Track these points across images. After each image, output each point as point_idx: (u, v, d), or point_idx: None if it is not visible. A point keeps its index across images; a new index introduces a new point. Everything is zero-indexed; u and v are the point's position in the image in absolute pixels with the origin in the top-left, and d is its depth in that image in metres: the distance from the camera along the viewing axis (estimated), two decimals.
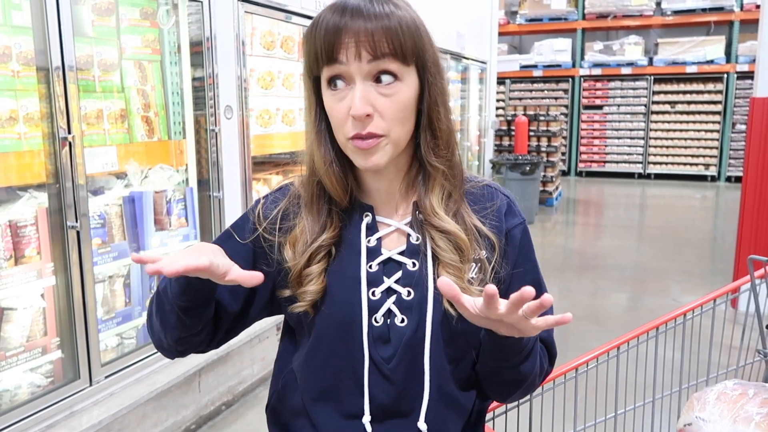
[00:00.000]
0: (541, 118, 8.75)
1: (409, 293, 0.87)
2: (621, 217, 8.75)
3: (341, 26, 0.78)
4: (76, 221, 2.31)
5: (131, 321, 2.72)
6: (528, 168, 7.48)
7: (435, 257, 0.87)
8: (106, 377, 2.45)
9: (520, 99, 12.72)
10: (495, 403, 1.18)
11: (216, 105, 3.03)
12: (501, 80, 11.43)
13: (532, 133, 8.70)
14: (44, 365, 2.35)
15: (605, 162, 12.45)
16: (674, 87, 11.79)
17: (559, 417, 1.43)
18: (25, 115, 2.27)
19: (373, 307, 0.87)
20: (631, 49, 11.90)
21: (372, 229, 0.90)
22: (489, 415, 1.20)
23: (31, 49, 2.27)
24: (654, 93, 11.91)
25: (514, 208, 0.95)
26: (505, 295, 0.86)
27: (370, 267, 0.88)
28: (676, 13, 11.53)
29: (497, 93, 9.49)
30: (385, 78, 0.80)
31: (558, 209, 8.89)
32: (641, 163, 12.15)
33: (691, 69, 11.47)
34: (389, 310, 0.87)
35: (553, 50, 12.29)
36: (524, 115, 8.76)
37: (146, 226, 2.81)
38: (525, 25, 12.43)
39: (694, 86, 11.64)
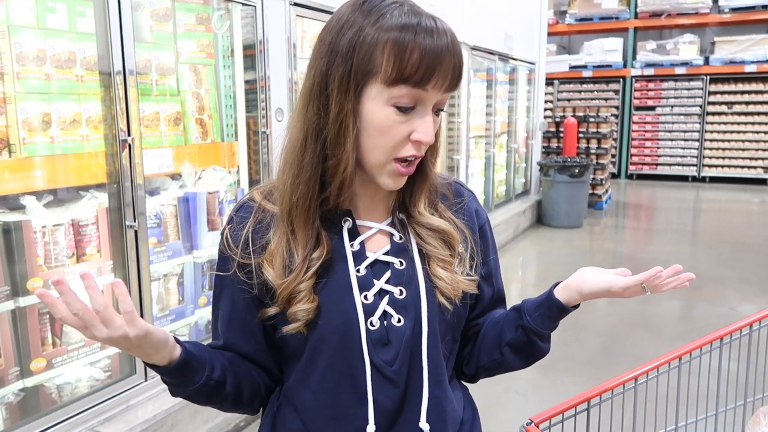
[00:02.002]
0: (591, 119, 8.57)
1: (401, 292, 0.87)
2: (674, 222, 8.49)
3: (442, 51, 0.76)
4: (134, 221, 2.38)
5: (184, 318, 2.79)
6: (577, 170, 7.34)
7: (421, 253, 0.89)
8: None
9: (569, 100, 12.49)
10: (551, 412, 1.16)
11: (267, 107, 3.08)
12: (549, 81, 11.25)
13: (581, 135, 8.53)
14: (102, 360, 2.43)
15: (657, 164, 12.11)
16: (732, 87, 11.38)
17: (617, 428, 1.40)
18: (87, 118, 2.36)
19: (368, 311, 0.85)
20: (685, 48, 11.54)
21: (353, 233, 0.88)
22: (545, 425, 1.18)
23: (94, 55, 2.35)
24: (710, 93, 11.52)
25: (478, 203, 1.01)
26: (479, 284, 0.96)
27: (359, 271, 0.87)
28: (734, 10, 11.13)
29: (545, 94, 9.35)
30: (441, 106, 0.82)
31: (607, 213, 8.69)
32: (696, 165, 11.77)
33: (750, 68, 11.05)
34: (385, 312, 0.86)
35: (604, 50, 12.02)
36: (573, 116, 8.60)
37: (199, 225, 2.87)
38: (574, 25, 12.20)
39: (753, 86, 11.20)
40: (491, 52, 6.38)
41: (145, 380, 2.45)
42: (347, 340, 0.84)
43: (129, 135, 2.36)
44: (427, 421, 0.87)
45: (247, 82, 3.12)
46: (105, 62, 2.33)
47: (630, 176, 12.35)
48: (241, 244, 0.87)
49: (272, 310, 0.86)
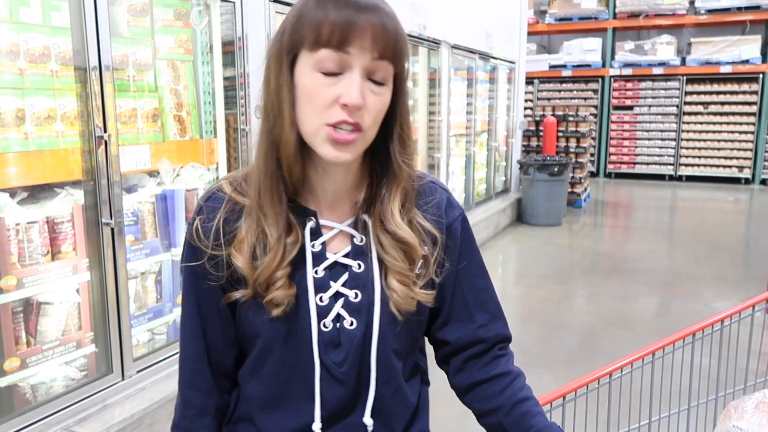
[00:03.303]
0: (570, 118, 8.65)
1: (356, 295, 0.88)
2: (651, 220, 8.61)
3: (357, 14, 0.78)
4: (111, 218, 2.35)
5: (162, 317, 2.77)
6: (556, 169, 7.41)
7: (380, 258, 0.89)
8: (138, 372, 2.49)
9: (549, 99, 12.59)
10: None
11: (247, 104, 3.06)
12: (529, 80, 11.32)
13: (560, 134, 8.60)
14: (78, 359, 2.40)
15: (635, 163, 12.26)
16: (708, 87, 11.55)
17: (591, 423, 1.42)
18: (62, 114, 2.32)
19: (322, 313, 0.87)
20: (663, 49, 11.69)
21: (316, 233, 0.89)
22: None
23: (69, 50, 2.31)
24: (686, 93, 11.68)
25: (452, 200, 0.97)
26: (452, 283, 0.94)
27: (317, 273, 0.87)
28: (711, 12, 11.30)
29: (525, 93, 9.41)
30: (379, 77, 0.81)
31: (586, 211, 8.78)
32: (672, 164, 11.94)
33: (725, 69, 11.23)
34: (338, 314, 0.88)
35: (583, 50, 12.13)
36: (553, 115, 8.67)
37: (177, 223, 2.84)
38: (554, 25, 12.30)
39: (729, 87, 11.39)
40: (472, 51, 6.40)
41: (122, 379, 2.43)
42: (299, 339, 0.86)
43: (105, 131, 2.33)
44: (372, 417, 0.89)
45: (226, 78, 3.10)
46: (80, 57, 2.30)
47: (608, 175, 12.49)
48: (212, 235, 0.88)
49: (238, 294, 0.87)
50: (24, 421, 2.10)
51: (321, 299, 0.87)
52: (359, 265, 0.88)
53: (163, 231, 2.81)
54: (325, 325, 0.87)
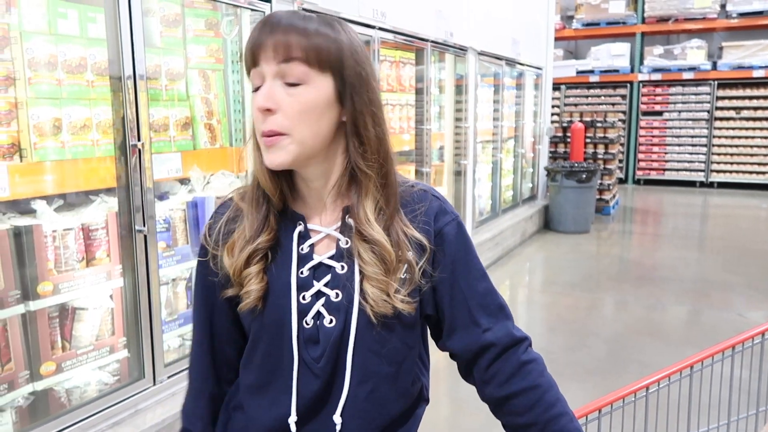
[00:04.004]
0: (598, 124, 8.55)
1: (337, 295, 0.92)
2: (681, 228, 8.45)
3: (264, 35, 0.86)
4: (144, 225, 2.39)
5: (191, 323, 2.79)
6: (584, 176, 7.32)
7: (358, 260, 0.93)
8: (169, 377, 2.52)
9: (576, 105, 12.47)
10: None
11: None
12: (556, 86, 11.24)
13: (588, 140, 8.51)
14: (111, 364, 2.44)
15: (665, 170, 12.07)
16: (740, 92, 11.33)
17: None
18: (97, 123, 2.37)
19: (303, 311, 0.92)
20: (693, 53, 11.51)
21: (305, 237, 0.95)
22: None
23: (105, 60, 2.36)
24: (718, 98, 11.47)
25: (445, 207, 0.98)
26: (449, 290, 0.95)
27: (302, 273, 0.93)
28: (742, 15, 11.09)
29: (552, 99, 9.33)
30: (292, 79, 0.86)
31: (615, 218, 8.66)
32: (703, 171, 11.72)
33: (758, 73, 11.00)
34: (318, 312, 0.92)
35: (611, 55, 12.00)
36: (580, 121, 8.58)
37: None
38: (581, 30, 12.19)
39: (762, 91, 11.15)
40: (498, 57, 6.38)
41: (154, 384, 2.46)
42: (281, 334, 0.93)
43: (139, 140, 2.37)
44: (341, 415, 0.91)
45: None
46: (115, 67, 2.35)
47: (637, 181, 12.31)
48: (214, 236, 0.98)
49: (230, 292, 0.95)
50: (59, 424, 2.14)
51: (303, 297, 0.92)
52: (342, 266, 0.93)
53: (194, 238, 2.85)
54: (306, 323, 0.92)
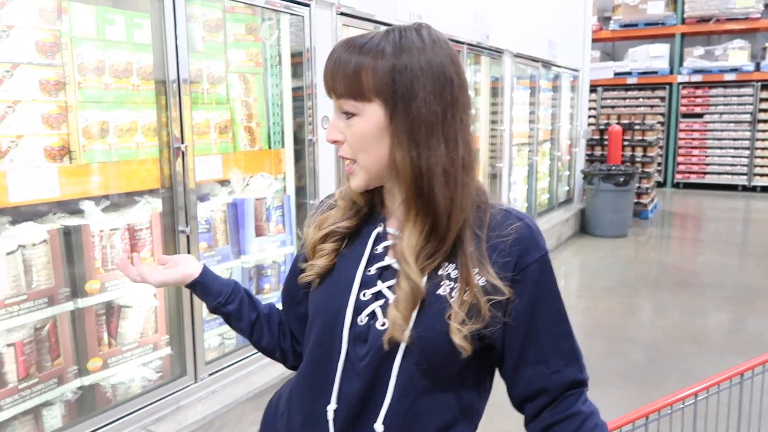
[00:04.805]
0: (636, 127, 8.40)
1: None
2: (722, 232, 8.23)
3: (324, 72, 0.93)
4: (186, 226, 2.44)
5: None
6: (622, 179, 7.20)
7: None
8: (210, 375, 2.57)
9: (613, 107, 12.26)
10: (609, 427, 1.14)
11: (314, 114, 3.12)
12: (593, 88, 11.07)
13: (626, 143, 8.36)
14: (154, 361, 2.49)
15: (705, 173, 11.77)
16: None
17: None
18: (142, 126, 2.43)
19: (360, 307, 0.94)
20: (735, 54, 11.21)
21: (382, 238, 0.98)
22: None
23: (150, 64, 2.43)
24: (761, 100, 11.15)
25: (536, 240, 0.93)
26: (524, 326, 0.91)
27: (369, 270, 0.95)
28: None
29: (589, 101, 9.20)
30: (347, 111, 0.91)
31: (653, 222, 8.49)
32: (746, 174, 11.40)
33: None
34: (373, 312, 0.93)
35: (649, 56, 11.78)
36: (618, 124, 8.44)
37: (247, 231, 2.92)
38: (619, 31, 11.98)
39: None
40: (534, 59, 6.32)
41: (195, 382, 2.51)
42: (334, 326, 0.95)
43: (182, 142, 2.42)
44: (383, 424, 0.91)
45: (294, 89, 3.17)
46: (160, 72, 2.41)
47: (676, 185, 12.04)
48: (312, 216, 1.07)
49: (303, 265, 1.03)
50: (105, 419, 2.19)
51: (364, 294, 0.94)
52: None
53: (234, 239, 2.90)
54: (360, 320, 0.93)
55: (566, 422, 0.93)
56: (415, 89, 0.87)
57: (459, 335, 0.86)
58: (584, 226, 7.67)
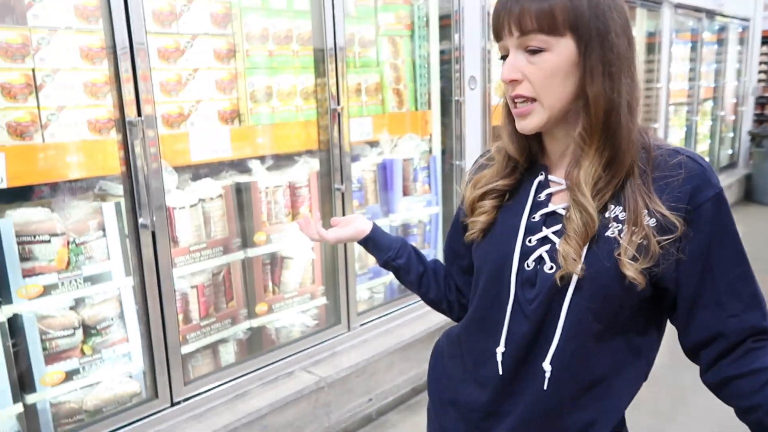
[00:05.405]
0: None
1: None
2: None
3: (501, 10, 0.90)
4: (341, 184, 2.57)
5: (380, 277, 2.98)
6: None
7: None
8: (361, 325, 2.73)
9: None
10: None
11: (462, 76, 3.12)
12: (765, 40, 9.87)
13: None
14: (312, 309, 2.69)
15: None
16: None
17: None
18: (301, 90, 2.59)
19: (526, 252, 0.95)
20: None
21: (544, 186, 0.98)
22: None
23: (308, 31, 2.56)
24: None
25: (709, 177, 0.89)
26: (699, 268, 0.88)
27: (533, 217, 0.97)
28: None
29: (761, 55, 8.23)
30: (532, 48, 0.88)
31: None
32: None
33: None
34: (540, 257, 0.94)
35: None
36: None
37: (395, 191, 3.02)
38: None
39: None
40: (697, 9, 5.77)
41: (348, 330, 2.68)
42: (501, 272, 0.97)
43: (338, 104, 2.54)
44: (551, 364, 0.92)
45: (441, 52, 3.18)
46: (318, 37, 2.53)
47: None
48: (469, 174, 1.11)
49: (465, 220, 1.07)
50: (270, 358, 2.42)
51: (530, 240, 0.96)
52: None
53: (383, 197, 3.01)
54: (527, 265, 0.95)
55: (750, 377, 0.88)
56: (608, 23, 0.87)
57: (631, 269, 0.86)
58: (750, 193, 6.98)
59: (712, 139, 6.80)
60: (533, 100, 0.90)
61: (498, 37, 0.92)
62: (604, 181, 0.90)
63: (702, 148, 6.58)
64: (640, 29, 5.22)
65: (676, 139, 5.97)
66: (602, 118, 0.88)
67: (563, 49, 0.87)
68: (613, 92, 0.88)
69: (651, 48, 5.27)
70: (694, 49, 6.04)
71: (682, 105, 6.04)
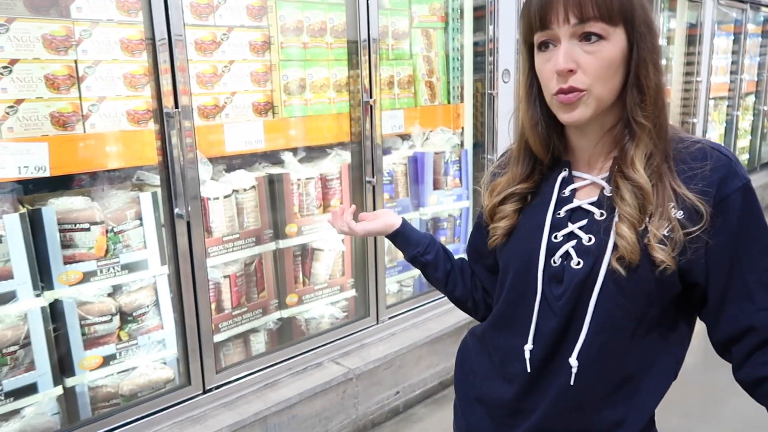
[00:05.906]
0: None
1: (589, 239, 0.92)
2: None
3: None
4: (372, 177, 2.58)
5: (409, 271, 2.99)
6: None
7: (616, 203, 0.91)
8: (390, 318, 2.74)
9: None
10: None
11: (495, 69, 3.09)
12: None
13: None
14: (341, 301, 2.71)
15: None
16: None
17: None
18: (334, 82, 2.59)
19: (553, 249, 0.95)
20: None
21: (568, 182, 0.98)
22: None
23: (342, 23, 2.56)
24: None
25: (736, 168, 0.88)
26: (727, 261, 0.87)
27: (558, 214, 0.96)
28: None
29: None
30: (591, 37, 0.86)
31: None
32: None
33: None
34: (567, 253, 0.94)
35: None
36: None
37: (426, 184, 3.02)
38: None
39: None
40: (741, 0, 5.60)
41: (377, 323, 2.69)
42: (528, 270, 0.97)
43: (371, 97, 2.54)
44: (577, 359, 0.92)
45: (475, 44, 3.15)
46: (352, 30, 2.53)
47: None
48: (487, 177, 1.11)
49: (489, 225, 1.07)
50: (300, 348, 2.45)
51: (555, 237, 0.96)
52: (601, 213, 0.92)
53: (413, 191, 3.01)
54: (554, 261, 0.95)
55: None
56: (648, 13, 0.89)
57: (661, 253, 0.86)
58: None
59: (753, 135, 6.61)
60: (584, 91, 0.88)
61: (545, 26, 0.88)
62: (649, 167, 0.89)
63: (742, 144, 6.41)
64: (680, 20, 5.09)
65: (715, 134, 5.82)
66: (656, 109, 0.89)
67: (618, 38, 0.87)
68: (662, 82, 0.90)
69: (692, 40, 5.14)
70: (736, 41, 5.87)
71: (722, 99, 5.88)
